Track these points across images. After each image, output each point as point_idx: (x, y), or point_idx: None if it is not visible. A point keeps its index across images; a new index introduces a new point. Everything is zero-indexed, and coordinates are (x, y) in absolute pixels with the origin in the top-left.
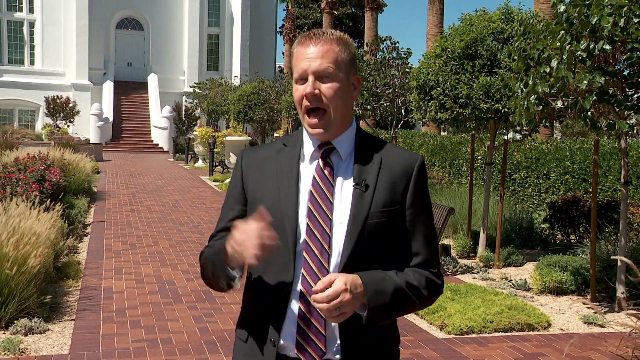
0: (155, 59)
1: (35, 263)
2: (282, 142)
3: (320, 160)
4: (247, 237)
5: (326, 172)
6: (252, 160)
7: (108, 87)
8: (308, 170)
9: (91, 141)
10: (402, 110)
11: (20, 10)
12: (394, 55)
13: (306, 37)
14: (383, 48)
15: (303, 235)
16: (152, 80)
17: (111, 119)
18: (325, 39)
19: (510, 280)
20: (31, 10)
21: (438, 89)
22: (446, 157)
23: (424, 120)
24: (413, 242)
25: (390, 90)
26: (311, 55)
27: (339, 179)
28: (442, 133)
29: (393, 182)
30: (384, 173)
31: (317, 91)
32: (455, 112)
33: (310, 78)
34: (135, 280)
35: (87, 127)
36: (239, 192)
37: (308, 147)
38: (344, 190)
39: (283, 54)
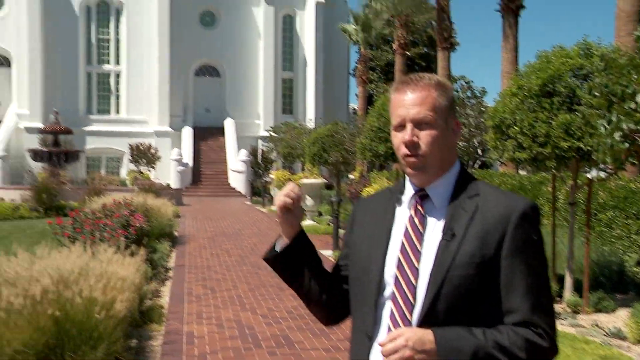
0: (232, 104)
1: (121, 307)
2: (390, 188)
3: (413, 207)
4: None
5: (417, 220)
6: (360, 208)
7: (187, 133)
8: (403, 216)
9: (172, 186)
10: (479, 150)
11: (109, 62)
12: (469, 94)
13: (403, 83)
14: (457, 87)
15: (390, 285)
16: (229, 125)
17: (190, 163)
18: (423, 85)
19: (602, 327)
20: (118, 63)
21: (515, 127)
22: (526, 197)
23: (501, 160)
24: (510, 297)
25: (466, 129)
26: (409, 102)
27: (430, 227)
28: (520, 172)
29: (486, 231)
30: (477, 222)
31: (415, 139)
32: (534, 151)
33: (409, 126)
34: (216, 324)
35: (167, 172)
36: (346, 238)
37: (408, 191)
38: (433, 239)
39: (356, 95)
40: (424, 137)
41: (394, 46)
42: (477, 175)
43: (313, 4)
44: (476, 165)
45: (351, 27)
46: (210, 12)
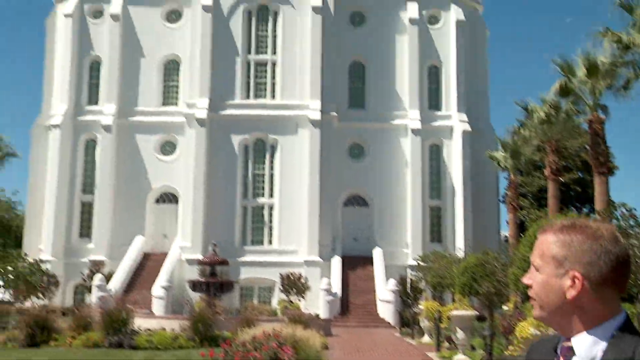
0: (380, 233)
1: None
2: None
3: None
4: None
5: None
6: (530, 353)
7: (336, 262)
8: None
9: (321, 316)
10: None
11: (263, 195)
12: (632, 223)
13: (541, 226)
14: (617, 215)
15: None
16: (377, 254)
17: (339, 293)
18: (547, 229)
19: None
20: (271, 195)
21: None
22: None
23: None
24: None
25: (631, 260)
26: (536, 243)
27: None
28: None
29: None
30: None
31: (528, 281)
32: None
33: (531, 267)
34: None
35: (316, 302)
36: None
37: (562, 339)
38: None
39: (507, 222)
40: (535, 281)
41: (546, 172)
42: None
43: (460, 133)
44: None
45: (499, 154)
46: (358, 145)
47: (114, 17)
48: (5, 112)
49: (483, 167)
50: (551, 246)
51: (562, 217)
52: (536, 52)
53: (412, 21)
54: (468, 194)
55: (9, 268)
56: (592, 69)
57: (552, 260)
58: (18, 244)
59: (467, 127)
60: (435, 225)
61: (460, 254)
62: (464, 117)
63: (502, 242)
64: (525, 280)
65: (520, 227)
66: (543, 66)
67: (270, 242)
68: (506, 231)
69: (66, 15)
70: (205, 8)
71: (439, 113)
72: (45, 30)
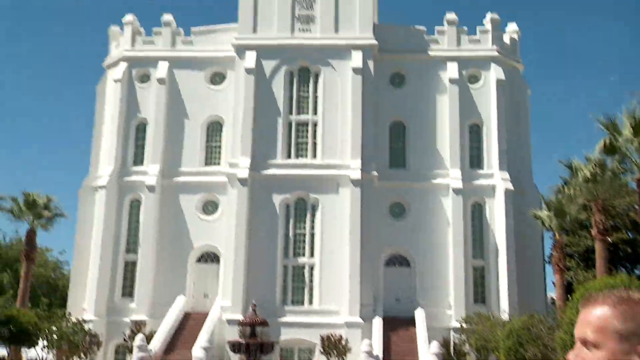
0: (422, 293)
1: None
2: None
3: None
4: None
5: None
6: None
7: (377, 324)
8: None
9: None
10: None
11: (303, 255)
12: None
13: (586, 298)
14: None
15: None
16: (420, 315)
17: (380, 355)
18: (601, 302)
19: None
20: (312, 255)
21: None
22: None
23: None
24: None
25: None
26: (581, 318)
27: None
28: None
29: None
30: None
31: (577, 359)
32: None
33: (577, 344)
34: None
35: None
36: None
37: None
38: None
39: (554, 284)
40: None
41: (593, 232)
42: None
43: (502, 192)
44: None
45: (544, 213)
46: (399, 204)
47: (160, 81)
48: (55, 174)
49: (527, 227)
50: (612, 320)
51: (611, 279)
52: (579, 110)
53: (452, 81)
54: (512, 254)
55: (53, 328)
56: (638, 127)
57: (616, 336)
58: (63, 303)
59: (510, 186)
60: (479, 286)
61: (505, 316)
62: (506, 175)
63: (549, 304)
64: (573, 357)
65: (568, 289)
66: (587, 124)
67: (310, 302)
68: (553, 293)
69: (115, 80)
70: (248, 70)
71: (480, 172)
72: (96, 95)
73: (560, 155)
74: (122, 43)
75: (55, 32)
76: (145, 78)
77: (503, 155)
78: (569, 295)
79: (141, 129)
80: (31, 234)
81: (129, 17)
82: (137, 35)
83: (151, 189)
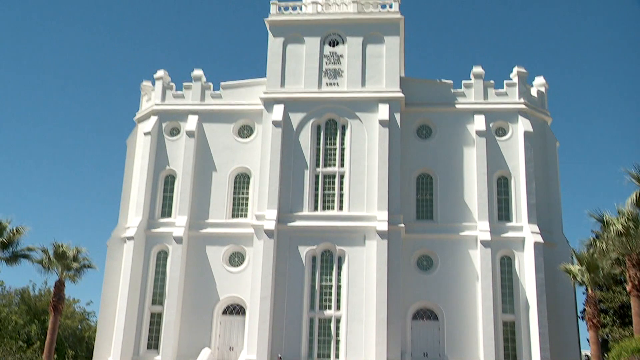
0: (450, 348)
1: None
2: None
3: None
4: None
5: None
6: None
7: None
8: None
9: None
10: None
11: (329, 308)
12: None
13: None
14: None
15: None
16: None
17: None
18: None
19: None
20: (338, 308)
21: None
22: None
23: None
24: None
25: None
26: None
27: None
28: None
29: None
30: None
31: None
32: None
33: None
34: None
35: None
36: None
37: None
38: None
39: (588, 340)
40: None
41: (628, 287)
42: None
43: (532, 245)
44: None
45: (575, 267)
46: (427, 256)
47: (189, 134)
48: (85, 225)
49: (558, 281)
50: None
51: None
52: (609, 162)
53: (479, 133)
54: (543, 309)
55: None
56: None
57: None
58: (89, 355)
59: (539, 239)
60: (509, 342)
61: None
62: (536, 228)
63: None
64: None
65: (603, 346)
66: (617, 176)
67: (337, 355)
68: (587, 350)
69: (145, 134)
70: (276, 123)
71: (509, 224)
72: (126, 148)
73: (590, 207)
74: (153, 97)
75: (88, 88)
76: (174, 131)
77: (532, 208)
78: (605, 354)
79: (169, 181)
80: (60, 286)
81: (160, 73)
82: (167, 90)
83: (178, 240)
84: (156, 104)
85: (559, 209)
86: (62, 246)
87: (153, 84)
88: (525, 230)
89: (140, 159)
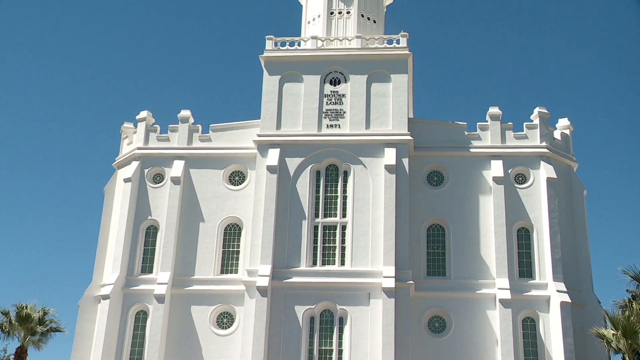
0: None
1: None
2: None
3: None
4: None
5: None
6: None
7: None
8: None
9: None
10: None
11: None
12: None
13: None
14: None
15: None
16: None
17: None
18: None
19: None
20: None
21: None
22: None
23: None
24: None
25: None
26: None
27: None
28: None
29: None
30: None
31: None
32: None
33: None
34: None
35: None
36: None
37: None
38: None
39: None
40: None
41: None
42: None
43: (558, 305)
44: None
45: (609, 332)
46: (439, 317)
47: (175, 180)
48: (54, 283)
49: (589, 347)
50: None
51: None
52: None
53: (497, 180)
54: None
55: None
56: None
57: None
58: None
59: (566, 298)
60: None
61: None
62: (562, 286)
63: None
64: None
65: None
66: None
67: None
68: None
69: (125, 180)
70: (271, 169)
71: (532, 282)
72: (104, 196)
73: (624, 264)
74: (134, 140)
75: (61, 128)
76: (158, 177)
77: (557, 263)
78: None
79: (151, 233)
80: (21, 353)
81: (143, 113)
82: (151, 132)
83: (160, 299)
84: (138, 148)
85: (588, 264)
86: (26, 307)
87: (135, 125)
88: (550, 289)
89: (119, 208)
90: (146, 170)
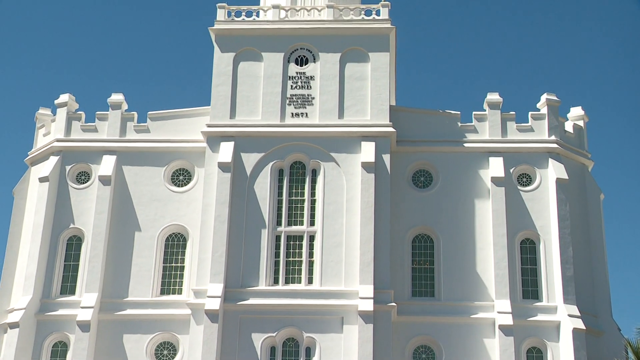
0: None
1: None
2: None
3: None
4: None
5: None
6: None
7: None
8: None
9: None
10: None
11: None
12: None
13: None
14: None
15: None
16: None
17: None
18: None
19: None
20: None
21: None
22: None
23: None
24: None
25: None
26: None
27: None
28: None
29: None
30: None
31: None
32: None
33: None
34: None
35: None
36: None
37: None
38: None
39: None
40: None
41: None
42: None
43: (569, 332)
44: None
45: None
46: (426, 347)
47: (104, 180)
48: None
49: None
50: None
51: None
52: None
53: (496, 181)
54: None
55: None
56: None
57: None
58: None
59: (580, 324)
60: None
61: None
62: (575, 310)
63: None
64: None
65: None
66: None
67: None
68: None
69: (41, 180)
70: (223, 167)
71: (538, 304)
72: (13, 199)
73: None
74: (53, 130)
75: None
76: (83, 176)
77: (569, 282)
78: None
79: (74, 244)
80: None
81: (63, 97)
82: (74, 120)
83: (84, 327)
84: (57, 140)
85: (605, 284)
86: None
87: (53, 112)
88: (560, 313)
89: (33, 214)
90: (68, 168)
